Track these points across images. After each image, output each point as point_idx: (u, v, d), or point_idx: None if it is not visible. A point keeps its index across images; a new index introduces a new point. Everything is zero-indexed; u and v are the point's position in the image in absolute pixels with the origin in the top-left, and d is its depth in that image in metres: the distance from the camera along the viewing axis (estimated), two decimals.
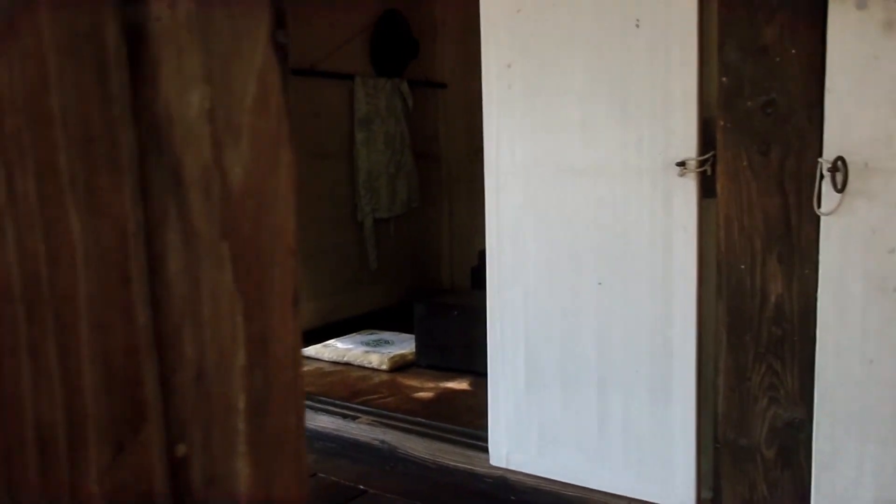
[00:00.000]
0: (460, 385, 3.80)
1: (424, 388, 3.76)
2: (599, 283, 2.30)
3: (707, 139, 2.11)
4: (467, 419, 3.26)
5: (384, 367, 4.05)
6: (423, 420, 3.05)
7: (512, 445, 2.54)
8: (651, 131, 2.16)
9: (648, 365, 2.24)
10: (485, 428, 3.11)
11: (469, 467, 2.73)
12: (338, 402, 3.38)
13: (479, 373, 3.89)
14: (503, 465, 2.57)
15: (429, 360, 4.09)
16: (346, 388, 3.78)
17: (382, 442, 2.96)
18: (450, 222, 5.95)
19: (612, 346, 2.30)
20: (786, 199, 2.01)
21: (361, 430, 3.05)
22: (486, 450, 2.73)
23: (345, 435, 3.07)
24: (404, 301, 5.59)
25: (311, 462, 2.96)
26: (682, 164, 2.10)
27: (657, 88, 2.13)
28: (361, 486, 2.73)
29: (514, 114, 2.41)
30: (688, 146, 2.10)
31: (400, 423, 3.04)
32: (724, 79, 2.05)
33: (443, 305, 4.11)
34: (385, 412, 3.17)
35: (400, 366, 4.10)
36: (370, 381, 3.92)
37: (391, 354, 4.14)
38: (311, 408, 3.27)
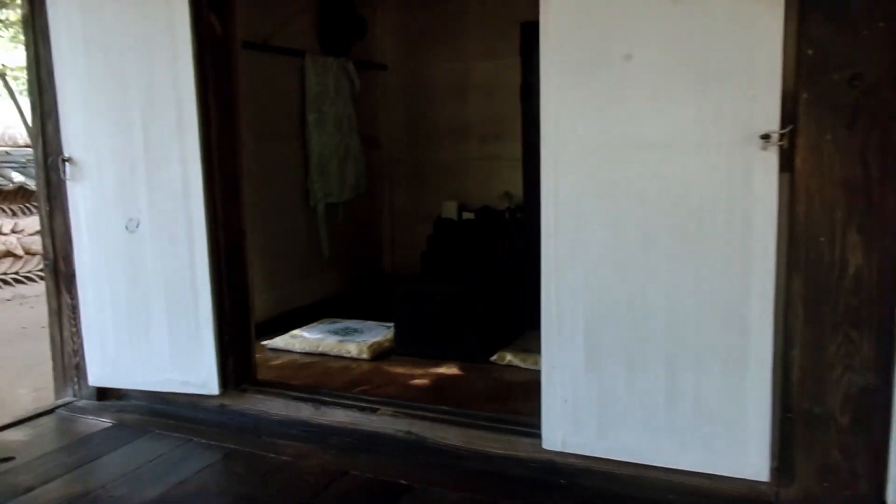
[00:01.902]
0: (451, 370, 3.61)
1: (416, 376, 3.53)
2: (668, 260, 2.20)
3: (785, 112, 2.05)
4: (480, 404, 3.09)
5: (364, 355, 3.77)
6: (455, 409, 2.83)
7: (569, 428, 2.40)
8: (731, 103, 2.07)
9: (722, 340, 2.17)
10: (507, 411, 2.97)
11: (512, 453, 2.56)
12: (346, 394, 3.08)
13: (460, 359, 3.73)
14: (558, 449, 2.42)
15: (408, 347, 3.86)
16: (335, 379, 3.48)
17: (408, 433, 2.72)
18: (391, 208, 5.69)
19: (682, 322, 2.21)
20: (868, 171, 1.99)
21: (383, 423, 2.79)
22: (529, 434, 2.56)
23: (364, 428, 2.79)
24: (354, 288, 5.29)
25: (334, 458, 2.67)
26: (766, 136, 2.03)
27: (739, 59, 2.04)
28: (403, 482, 2.48)
29: (576, 86, 2.24)
30: (770, 119, 2.03)
31: (427, 412, 2.80)
32: (809, 51, 2.00)
33: (423, 292, 3.88)
34: (407, 402, 2.92)
35: (379, 354, 3.84)
36: (354, 370, 3.63)
37: (369, 343, 3.86)
38: (318, 401, 2.96)
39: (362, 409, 2.86)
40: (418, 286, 3.96)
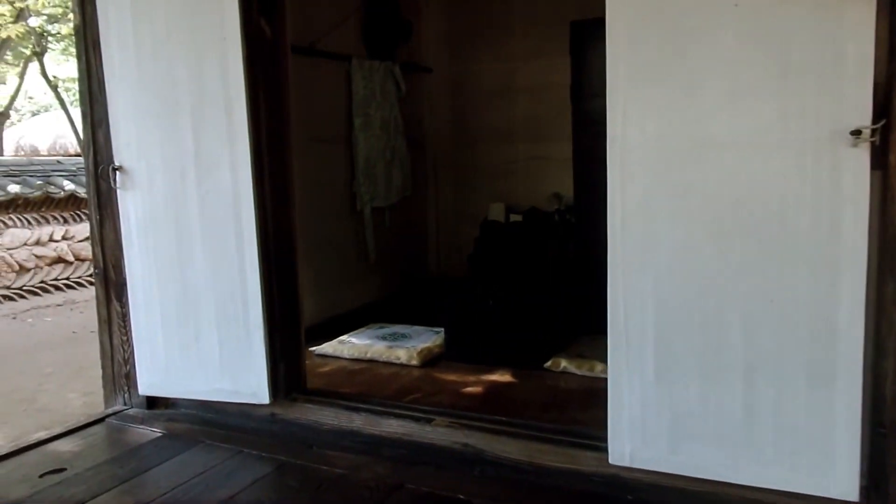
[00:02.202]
0: (504, 377, 3.49)
1: (468, 383, 3.42)
2: (747, 266, 2.05)
3: (877, 106, 1.89)
4: (536, 413, 2.97)
5: (414, 362, 3.68)
6: (514, 420, 2.71)
7: (637, 442, 2.26)
8: (817, 99, 1.92)
9: (807, 349, 2.01)
10: (566, 421, 2.84)
11: (575, 467, 2.42)
12: (399, 403, 2.99)
13: (513, 365, 3.60)
14: (626, 464, 2.29)
15: (458, 353, 3.75)
16: (385, 387, 3.39)
17: (465, 445, 2.61)
18: (436, 211, 5.60)
19: (762, 331, 2.06)
20: None
21: (438, 434, 2.68)
22: (594, 448, 2.44)
23: (418, 440, 2.69)
24: (400, 291, 5.21)
25: (388, 471, 2.58)
26: (856, 132, 1.87)
27: (826, 51, 1.89)
28: (461, 496, 2.37)
29: (645, 82, 2.11)
30: (861, 114, 1.87)
31: (484, 423, 2.69)
32: None
33: (474, 296, 3.77)
34: (462, 412, 2.81)
35: (428, 360, 3.74)
36: (405, 377, 3.54)
37: (418, 349, 3.77)
38: (370, 411, 2.87)
39: (417, 420, 2.76)
40: (469, 290, 3.85)
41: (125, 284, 3.12)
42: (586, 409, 3.01)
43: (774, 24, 1.94)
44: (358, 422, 2.82)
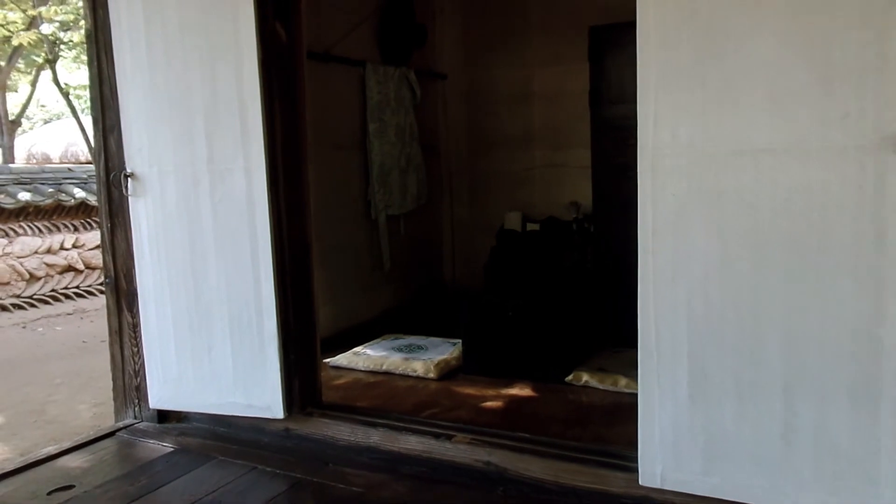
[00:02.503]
0: (524, 391, 3.40)
1: (488, 397, 3.33)
2: (786, 278, 1.96)
3: None
4: (559, 430, 2.88)
5: (431, 375, 3.60)
6: (538, 437, 2.62)
7: (669, 463, 2.17)
8: (860, 104, 1.83)
9: (850, 367, 1.92)
10: (590, 438, 2.75)
11: (603, 488, 2.33)
12: (418, 418, 2.91)
13: (533, 378, 3.51)
14: (657, 485, 2.19)
15: (476, 366, 3.66)
16: (403, 401, 3.31)
17: (487, 463, 2.52)
18: (451, 219, 5.52)
19: (802, 348, 1.96)
20: None
21: (459, 451, 2.60)
22: (623, 468, 2.34)
23: (438, 457, 2.60)
24: (415, 301, 5.13)
25: (408, 490, 2.49)
26: None
27: (869, 54, 1.80)
28: None
29: (678, 87, 2.02)
30: None
31: (507, 440, 2.60)
32: None
33: (493, 307, 3.68)
34: (484, 429, 2.73)
35: (446, 373, 3.65)
36: (422, 391, 3.45)
37: (435, 361, 3.68)
38: (388, 426, 2.79)
39: (436, 436, 2.67)
40: (487, 300, 3.77)
41: (136, 294, 3.06)
42: (611, 425, 2.92)
43: (816, 26, 1.86)
44: (375, 438, 2.74)
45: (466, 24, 5.28)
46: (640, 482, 2.23)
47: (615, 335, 3.98)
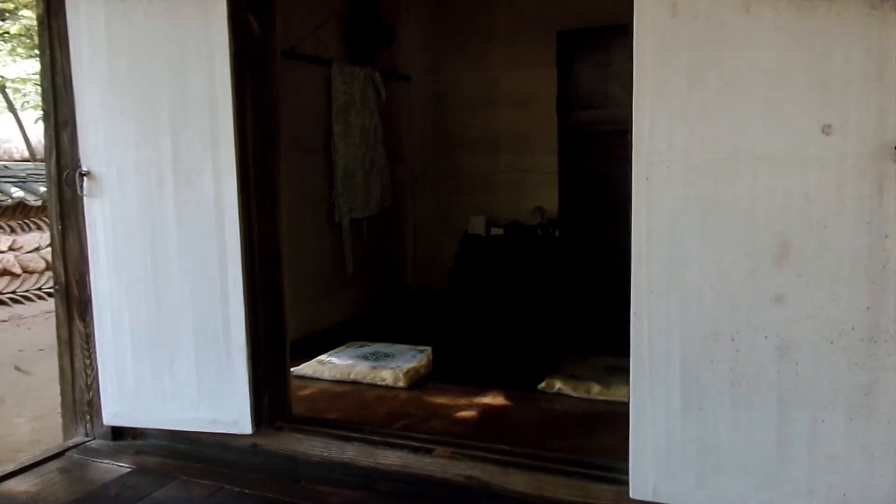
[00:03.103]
0: (497, 400, 3.33)
1: (461, 407, 3.25)
2: (782, 287, 1.94)
3: None
4: (537, 440, 2.81)
5: (401, 384, 3.49)
6: (520, 450, 2.55)
7: (661, 475, 2.12)
8: (859, 112, 1.82)
9: (846, 377, 1.91)
10: (571, 449, 2.69)
11: (589, 501, 2.27)
12: (396, 431, 2.80)
13: (505, 387, 3.44)
14: (648, 498, 2.14)
15: (446, 374, 3.58)
16: (373, 412, 3.20)
17: (469, 478, 2.43)
18: (413, 224, 5.43)
19: (797, 357, 1.95)
20: None
21: (440, 466, 2.50)
22: (608, 480, 2.30)
23: (418, 472, 2.50)
24: (378, 307, 5.01)
25: None
26: None
27: (869, 63, 1.80)
28: None
29: (675, 92, 1.99)
30: None
31: (489, 453, 2.52)
32: None
33: (464, 314, 3.60)
34: (464, 441, 2.64)
35: (415, 381, 3.56)
36: (393, 401, 3.35)
37: (404, 369, 3.58)
38: (364, 440, 2.67)
39: (415, 450, 2.57)
40: (458, 307, 3.69)
41: (90, 302, 2.86)
42: (590, 435, 2.88)
43: (815, 33, 1.84)
44: (350, 452, 2.62)
45: (432, 25, 5.21)
46: (630, 495, 2.17)
47: (583, 341, 3.95)
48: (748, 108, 1.92)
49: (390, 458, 2.57)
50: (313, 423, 2.86)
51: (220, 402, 2.70)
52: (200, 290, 2.66)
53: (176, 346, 2.72)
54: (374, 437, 2.69)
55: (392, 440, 2.67)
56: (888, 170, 1.81)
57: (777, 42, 1.88)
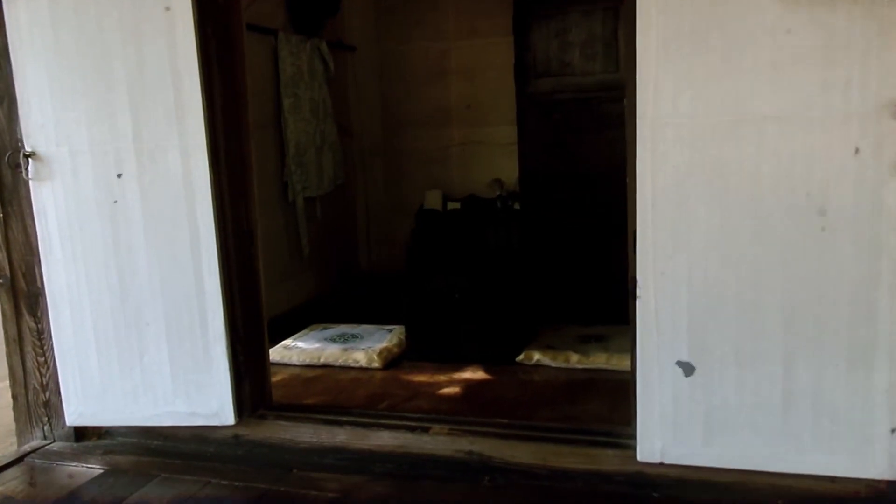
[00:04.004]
0: (477, 375, 3.32)
1: (442, 384, 3.22)
2: (785, 247, 1.98)
3: None
4: (527, 412, 2.81)
5: (375, 364, 3.42)
6: (519, 422, 2.54)
7: (669, 438, 2.15)
8: (862, 70, 1.86)
9: (847, 332, 1.98)
10: (566, 418, 2.71)
11: (595, 467, 2.29)
12: (389, 412, 2.73)
13: (482, 361, 3.42)
14: (657, 460, 2.18)
15: (421, 352, 3.53)
16: (352, 394, 3.12)
17: (470, 453, 2.40)
18: (365, 201, 5.30)
19: (802, 315, 2.00)
20: None
21: (438, 443, 2.46)
22: (614, 445, 2.32)
23: (415, 451, 2.45)
24: (334, 289, 4.89)
25: (389, 490, 2.33)
26: None
27: (872, 20, 1.84)
28: None
29: (679, 54, 1.98)
30: None
31: (489, 427, 2.50)
32: None
33: (438, 291, 3.55)
34: (461, 418, 2.60)
35: (389, 361, 3.49)
36: (369, 382, 3.28)
37: (377, 350, 3.51)
38: (354, 423, 2.60)
39: (412, 430, 2.52)
40: (431, 284, 3.63)
41: (41, 295, 2.65)
42: (577, 403, 2.90)
43: None
44: (342, 436, 2.54)
45: None
46: (638, 458, 2.20)
47: (552, 312, 3.98)
48: (754, 69, 1.93)
49: (385, 440, 2.51)
50: (297, 410, 2.76)
51: (198, 394, 2.56)
52: (171, 277, 2.50)
53: (145, 337, 2.55)
54: (365, 420, 2.62)
55: (384, 421, 2.61)
56: (890, 127, 1.87)
57: (781, 1, 1.89)
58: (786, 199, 1.96)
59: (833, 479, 2.06)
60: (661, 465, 2.20)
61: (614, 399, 2.91)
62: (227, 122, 2.52)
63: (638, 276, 2.12)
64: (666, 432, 2.15)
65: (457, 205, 4.88)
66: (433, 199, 4.90)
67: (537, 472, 2.32)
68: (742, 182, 1.99)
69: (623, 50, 2.16)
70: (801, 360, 2.02)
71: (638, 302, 2.12)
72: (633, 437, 2.30)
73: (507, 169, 4.78)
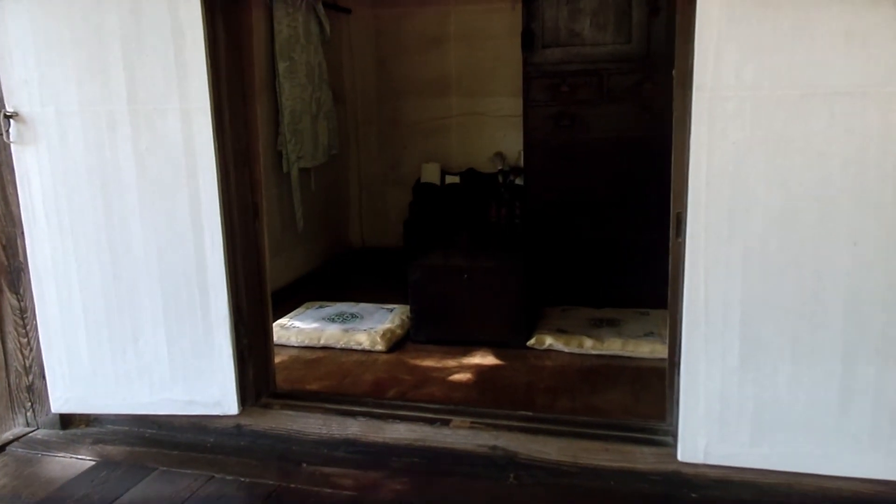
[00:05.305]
0: (487, 359, 3.14)
1: (451, 369, 3.04)
2: (855, 234, 1.82)
3: None
4: (548, 401, 2.65)
5: (379, 347, 3.23)
6: (545, 415, 2.38)
7: (714, 436, 2.00)
8: None
9: None
10: (590, 410, 2.55)
11: (629, 466, 2.13)
12: (405, 402, 2.55)
13: (490, 344, 3.24)
14: (699, 461, 2.03)
15: (427, 333, 3.35)
16: (357, 379, 2.93)
17: (494, 448, 2.24)
18: (358, 173, 5.07)
19: (867, 308, 1.85)
20: None
21: (459, 437, 2.29)
22: (649, 442, 2.17)
23: (435, 445, 2.28)
24: (329, 263, 4.67)
25: (409, 487, 2.15)
26: None
27: None
28: None
29: (745, 20, 1.79)
30: None
31: (513, 421, 2.33)
32: None
33: (446, 269, 3.35)
34: (482, 410, 2.43)
35: (393, 343, 3.30)
36: (374, 366, 3.09)
37: (380, 331, 3.32)
38: (368, 414, 2.42)
39: (430, 422, 2.34)
40: (439, 262, 3.43)
41: (23, 270, 2.40)
42: (598, 392, 2.75)
43: None
44: (354, 428, 2.36)
45: None
46: (679, 458, 2.05)
47: (558, 293, 3.82)
48: (826, 39, 1.75)
49: (401, 432, 2.33)
50: (303, 397, 2.57)
51: (198, 381, 2.35)
52: (169, 253, 2.27)
53: (140, 318, 2.33)
54: (380, 410, 2.43)
55: (400, 412, 2.42)
56: None
57: None
58: (856, 180, 1.80)
59: (886, 483, 1.93)
60: (701, 465, 2.05)
61: (637, 388, 2.76)
62: (231, 83, 2.28)
63: (687, 263, 1.94)
64: (711, 430, 2.00)
65: (456, 179, 4.68)
66: (431, 173, 4.69)
67: (566, 469, 2.16)
68: (808, 161, 1.82)
69: (679, 17, 1.94)
70: (862, 355, 1.87)
71: (685, 290, 1.95)
72: (669, 433, 2.16)
73: (509, 142, 4.59)
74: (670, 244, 2.11)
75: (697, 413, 2.01)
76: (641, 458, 2.14)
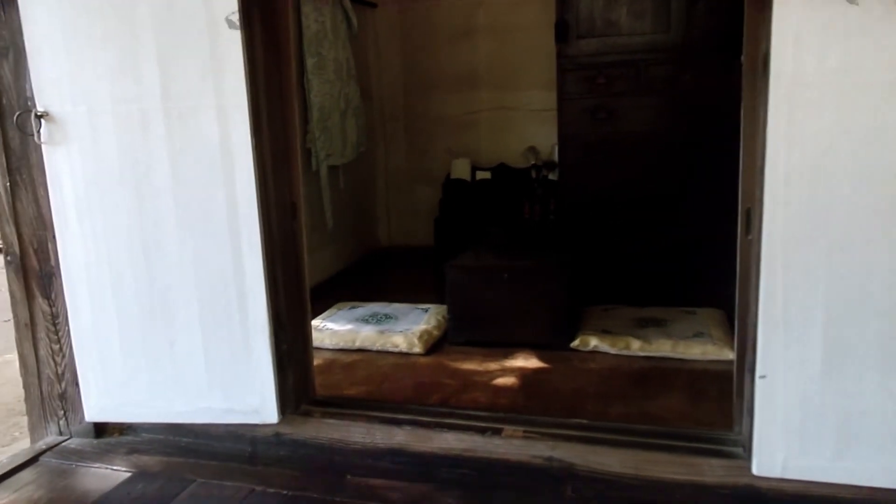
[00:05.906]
0: (530, 362, 3.00)
1: (494, 373, 2.90)
2: None
3: None
4: (601, 408, 2.51)
5: (417, 349, 3.10)
6: (602, 423, 2.23)
7: (794, 449, 1.85)
8: None
9: None
10: (650, 418, 2.41)
11: (696, 479, 1.99)
12: (452, 410, 2.42)
13: (532, 345, 3.10)
14: (776, 475, 1.88)
15: (465, 334, 3.21)
16: (398, 384, 2.80)
17: (549, 459, 2.10)
18: (386, 170, 4.94)
19: None
20: None
21: (512, 447, 2.15)
22: (718, 454, 2.02)
23: (485, 456, 2.14)
24: (359, 263, 4.55)
25: (458, 502, 2.02)
26: None
27: None
28: None
29: (829, 2, 1.63)
30: None
31: (569, 430, 2.19)
32: None
33: (486, 269, 3.21)
34: (535, 418, 2.29)
35: (431, 345, 3.17)
36: (414, 369, 2.96)
37: (417, 333, 3.18)
38: (415, 422, 2.29)
39: (481, 431, 2.20)
40: (477, 262, 3.29)
41: (55, 275, 2.30)
42: (651, 398, 2.60)
43: None
44: (400, 437, 2.23)
45: None
46: (755, 472, 1.90)
47: (598, 292, 3.67)
48: None
49: (450, 442, 2.20)
50: (344, 405, 2.44)
51: (236, 389, 2.23)
52: (205, 256, 2.15)
53: (176, 324, 2.21)
54: (425, 418, 2.30)
55: (448, 420, 2.29)
56: None
57: None
58: None
59: None
60: (774, 479, 1.90)
61: (692, 393, 2.61)
62: (269, 79, 2.15)
63: (763, 266, 1.79)
64: (791, 442, 1.85)
65: (487, 174, 4.53)
66: (461, 169, 4.55)
67: (628, 482, 2.02)
68: None
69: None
70: None
71: (762, 294, 1.80)
72: (739, 443, 2.01)
73: (542, 136, 4.45)
74: (738, 242, 1.96)
75: (775, 424, 1.86)
76: (709, 471, 1.99)
